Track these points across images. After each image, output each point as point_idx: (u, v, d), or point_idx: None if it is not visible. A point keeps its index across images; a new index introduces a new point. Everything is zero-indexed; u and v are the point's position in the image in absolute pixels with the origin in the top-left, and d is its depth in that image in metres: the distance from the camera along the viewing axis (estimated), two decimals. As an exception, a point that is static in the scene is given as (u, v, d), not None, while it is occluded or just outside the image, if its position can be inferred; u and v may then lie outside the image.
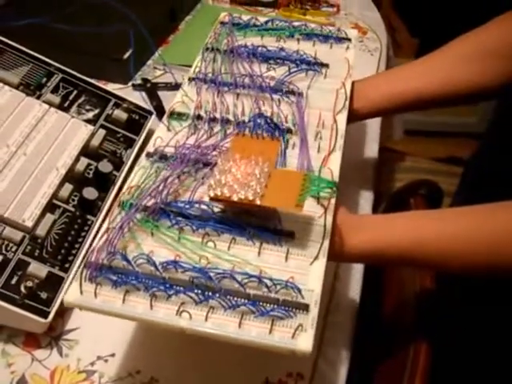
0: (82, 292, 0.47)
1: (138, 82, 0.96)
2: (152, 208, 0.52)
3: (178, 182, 0.55)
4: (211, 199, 0.51)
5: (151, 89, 0.94)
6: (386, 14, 2.32)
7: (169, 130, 0.62)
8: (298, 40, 0.75)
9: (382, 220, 0.57)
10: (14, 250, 0.61)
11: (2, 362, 0.59)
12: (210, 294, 0.46)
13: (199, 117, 0.63)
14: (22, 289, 0.59)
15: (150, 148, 0.59)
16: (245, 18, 0.78)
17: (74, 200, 0.68)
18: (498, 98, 0.69)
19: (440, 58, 0.73)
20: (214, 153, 0.57)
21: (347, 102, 0.65)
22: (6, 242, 0.61)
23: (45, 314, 0.59)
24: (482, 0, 0.80)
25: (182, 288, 0.46)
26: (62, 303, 0.60)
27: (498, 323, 0.64)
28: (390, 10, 2.32)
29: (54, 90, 0.76)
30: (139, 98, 0.90)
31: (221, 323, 0.45)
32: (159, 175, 0.55)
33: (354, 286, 0.69)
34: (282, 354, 0.45)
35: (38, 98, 0.74)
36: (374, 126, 0.93)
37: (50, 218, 0.65)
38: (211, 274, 0.47)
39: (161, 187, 0.53)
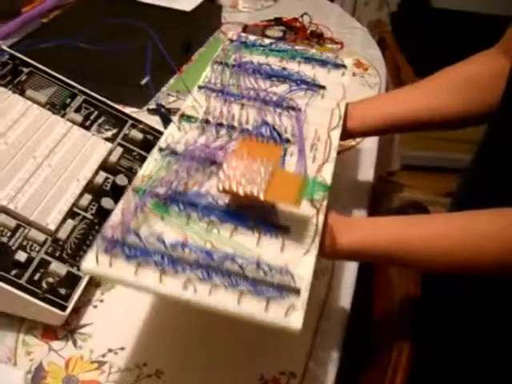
0: (98, 262, 0.52)
1: (153, 106, 1.03)
2: (163, 195, 0.57)
3: (186, 176, 0.61)
4: (219, 192, 0.56)
5: (165, 113, 1.01)
6: (392, 53, 2.40)
7: (179, 129, 0.68)
8: (299, 63, 0.82)
9: (368, 222, 0.64)
10: (37, 249, 0.68)
11: (22, 350, 0.65)
12: (213, 272, 0.52)
13: (207, 121, 0.69)
14: (44, 284, 0.66)
15: (162, 143, 0.65)
16: (251, 38, 0.85)
17: (92, 209, 0.74)
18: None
19: (427, 85, 0.81)
20: (221, 153, 0.63)
21: (341, 121, 0.72)
22: (30, 243, 0.68)
23: (63, 308, 0.65)
24: (484, 39, 0.86)
25: (188, 265, 0.52)
26: (78, 299, 0.67)
27: (480, 327, 0.69)
28: (395, 50, 2.40)
29: (77, 110, 0.84)
30: (153, 122, 0.97)
31: (222, 299, 0.51)
32: (170, 168, 0.61)
33: (346, 296, 0.75)
34: (275, 331, 0.50)
35: (63, 116, 0.82)
36: (370, 153, 1.00)
37: (70, 223, 0.71)
38: (215, 256, 0.52)
39: (172, 178, 0.59)
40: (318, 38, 1.29)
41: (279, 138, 0.67)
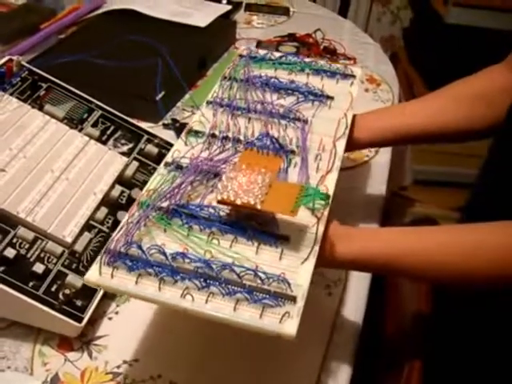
0: (100, 273, 0.55)
1: (168, 121, 1.05)
2: (166, 208, 0.59)
3: (190, 189, 0.62)
4: (218, 202, 0.58)
5: (180, 128, 1.03)
6: (404, 68, 2.42)
7: (186, 144, 0.69)
8: (308, 74, 0.82)
9: (369, 232, 0.64)
10: (54, 261, 0.69)
11: (39, 361, 0.66)
12: (211, 281, 0.53)
13: (213, 135, 0.70)
14: (60, 296, 0.67)
15: (168, 158, 0.67)
16: (261, 52, 0.86)
17: (108, 222, 0.76)
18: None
19: (434, 99, 0.82)
20: (224, 166, 0.65)
21: (347, 131, 0.72)
22: (48, 255, 0.69)
23: (79, 319, 0.66)
24: (496, 55, 0.87)
25: (187, 275, 0.53)
26: (94, 311, 0.68)
27: (492, 343, 0.70)
28: (407, 65, 2.42)
29: (94, 125, 0.85)
30: (169, 136, 0.98)
31: (218, 307, 0.52)
32: (174, 182, 0.63)
33: (358, 309, 0.75)
34: (269, 337, 0.51)
35: (80, 130, 0.83)
36: (382, 168, 1.01)
37: (87, 236, 0.73)
38: (213, 266, 0.54)
39: (175, 191, 0.61)
40: (331, 53, 1.31)
41: (282, 150, 0.68)
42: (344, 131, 0.72)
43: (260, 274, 0.54)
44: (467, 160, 2.01)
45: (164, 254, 0.55)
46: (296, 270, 0.55)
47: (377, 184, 0.98)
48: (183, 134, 0.71)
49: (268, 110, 0.74)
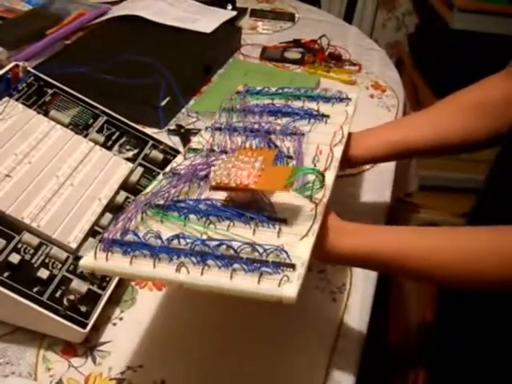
0: (96, 258, 0.55)
1: (173, 127, 1.05)
2: (163, 204, 0.59)
3: (187, 189, 0.63)
4: (213, 188, 0.58)
5: (184, 134, 1.03)
6: (410, 74, 2.42)
7: (185, 158, 0.70)
8: (304, 101, 0.81)
9: (370, 229, 0.63)
10: (59, 267, 0.69)
11: (43, 366, 0.66)
12: (208, 257, 0.52)
13: (212, 150, 0.70)
14: (65, 301, 0.67)
15: (166, 169, 0.67)
16: (258, 88, 0.85)
17: (112, 227, 0.76)
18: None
19: (436, 111, 0.81)
20: None
21: (344, 140, 0.72)
22: (52, 260, 0.69)
23: (83, 325, 0.66)
24: (501, 60, 0.87)
25: (182, 252, 0.53)
26: (98, 317, 0.68)
27: (495, 350, 0.69)
28: (412, 71, 2.42)
29: (99, 131, 0.86)
30: (173, 142, 0.99)
31: (214, 278, 0.51)
32: (171, 183, 0.63)
33: (363, 316, 0.75)
34: (270, 302, 0.50)
35: (85, 136, 0.83)
36: (387, 174, 1.01)
37: (91, 241, 0.73)
38: (210, 243, 0.53)
39: (172, 190, 0.61)
40: (336, 59, 1.31)
41: (279, 152, 0.68)
42: (340, 140, 0.71)
43: (258, 247, 0.53)
44: (473, 166, 2.00)
45: (160, 237, 0.55)
46: (295, 245, 0.54)
47: (381, 190, 0.98)
48: (183, 151, 0.71)
49: (265, 128, 0.73)
